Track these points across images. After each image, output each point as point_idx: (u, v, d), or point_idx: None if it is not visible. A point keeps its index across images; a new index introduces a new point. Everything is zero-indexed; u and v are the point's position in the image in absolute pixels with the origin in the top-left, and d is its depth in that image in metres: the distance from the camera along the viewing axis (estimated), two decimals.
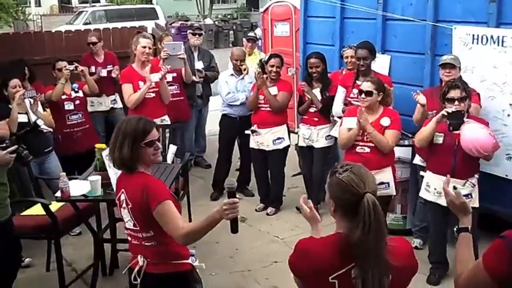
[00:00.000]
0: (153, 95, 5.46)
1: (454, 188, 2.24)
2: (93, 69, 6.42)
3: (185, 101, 6.38)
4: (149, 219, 2.64)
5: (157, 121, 5.47)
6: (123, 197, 2.74)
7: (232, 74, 6.11)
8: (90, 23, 18.49)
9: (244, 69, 6.08)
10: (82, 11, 21.89)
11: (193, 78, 6.35)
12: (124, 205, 2.73)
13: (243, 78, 6.09)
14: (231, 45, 20.24)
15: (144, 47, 5.44)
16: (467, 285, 1.95)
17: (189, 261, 2.80)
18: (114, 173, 4.03)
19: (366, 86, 4.39)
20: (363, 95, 4.36)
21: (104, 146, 4.19)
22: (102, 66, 6.47)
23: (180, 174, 4.91)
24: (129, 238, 2.82)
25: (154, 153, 2.74)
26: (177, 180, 4.73)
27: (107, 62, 6.52)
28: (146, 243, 2.72)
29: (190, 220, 4.80)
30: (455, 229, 2.23)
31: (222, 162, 6.31)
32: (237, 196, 2.47)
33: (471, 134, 3.97)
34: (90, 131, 5.89)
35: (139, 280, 2.73)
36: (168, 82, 5.87)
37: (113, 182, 3.97)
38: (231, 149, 6.34)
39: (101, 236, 4.43)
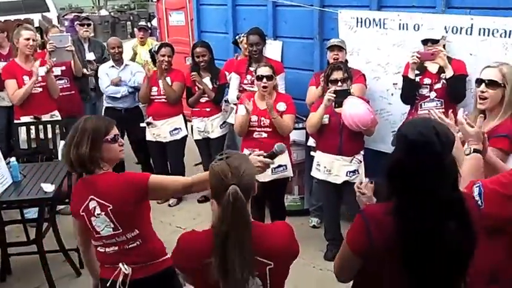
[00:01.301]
0: (40, 89, 5.19)
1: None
2: None
3: (77, 94, 6.09)
4: (135, 215, 2.55)
5: (47, 117, 5.25)
6: (93, 204, 2.54)
7: (112, 66, 5.96)
8: None
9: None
10: None
11: (84, 71, 6.10)
12: (98, 211, 2.53)
13: (123, 69, 5.96)
14: (129, 36, 19.63)
15: (28, 39, 5.16)
16: (338, 264, 2.00)
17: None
18: None
19: (265, 70, 4.42)
20: (264, 80, 4.38)
21: None
22: (4, 59, 6.04)
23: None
24: (102, 249, 2.62)
25: (121, 149, 2.68)
26: (70, 177, 4.52)
27: (12, 55, 6.09)
28: (130, 246, 2.58)
29: None
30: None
31: None
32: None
33: (350, 109, 4.16)
34: None
35: None
36: (57, 76, 5.60)
37: None
38: None
39: None
